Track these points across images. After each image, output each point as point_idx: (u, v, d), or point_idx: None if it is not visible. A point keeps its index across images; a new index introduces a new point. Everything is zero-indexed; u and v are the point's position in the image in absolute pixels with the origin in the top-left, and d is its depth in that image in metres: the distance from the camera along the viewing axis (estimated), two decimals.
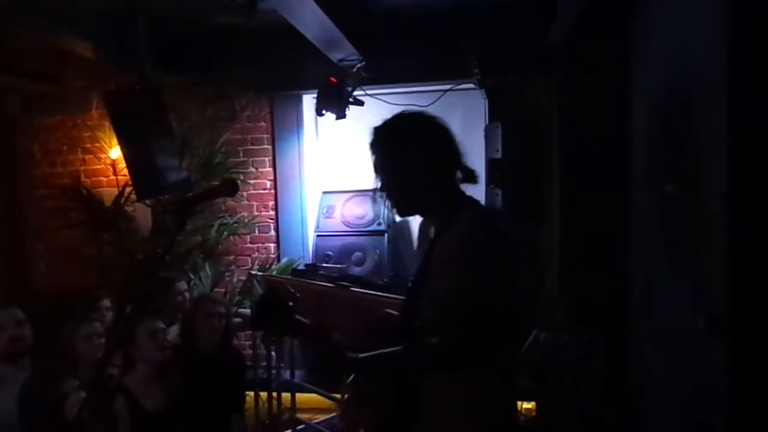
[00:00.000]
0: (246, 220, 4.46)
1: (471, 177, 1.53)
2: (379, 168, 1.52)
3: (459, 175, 1.52)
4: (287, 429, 3.49)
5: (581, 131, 3.15)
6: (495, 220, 1.56)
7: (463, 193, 1.53)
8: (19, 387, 2.37)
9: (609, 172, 3.05)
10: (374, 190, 1.54)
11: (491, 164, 3.44)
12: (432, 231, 1.53)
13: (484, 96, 3.86)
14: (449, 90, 4.01)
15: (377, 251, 4.09)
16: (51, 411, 2.25)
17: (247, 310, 3.63)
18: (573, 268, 3.17)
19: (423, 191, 1.49)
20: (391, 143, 1.51)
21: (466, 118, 4.30)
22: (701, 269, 1.90)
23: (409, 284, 1.64)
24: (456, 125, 5.32)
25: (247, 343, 4.12)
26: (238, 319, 3.49)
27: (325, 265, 3.73)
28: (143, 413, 2.43)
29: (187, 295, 3.29)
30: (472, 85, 3.83)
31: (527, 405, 3.10)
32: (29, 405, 2.33)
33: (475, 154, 4.34)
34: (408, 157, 1.48)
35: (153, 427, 2.45)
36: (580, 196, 3.15)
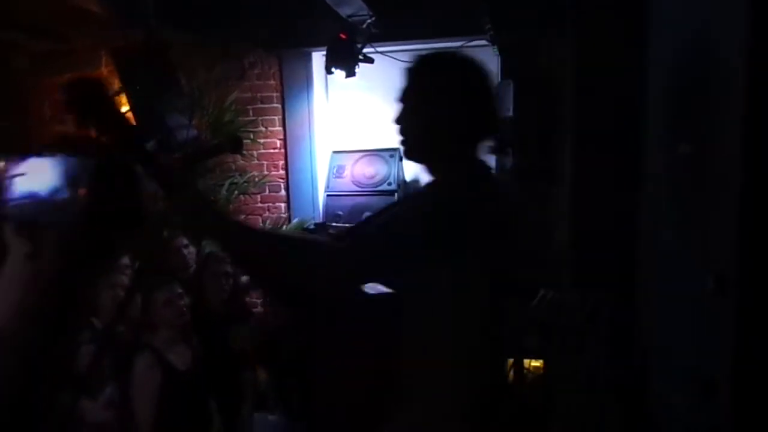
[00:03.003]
0: (256, 180, 4.46)
1: (500, 149, 1.46)
2: (403, 99, 1.42)
3: (487, 143, 1.41)
4: None
5: (596, 89, 3.09)
6: (478, 181, 1.40)
7: (479, 161, 1.41)
8: None
9: (623, 131, 3.00)
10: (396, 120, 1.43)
11: (503, 123, 3.40)
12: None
13: (497, 53, 3.78)
14: (461, 47, 3.93)
15: None
16: (64, 362, 2.29)
17: None
18: (583, 228, 3.16)
19: (433, 144, 1.40)
20: (428, 83, 1.40)
21: None
22: (710, 229, 1.89)
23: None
24: None
25: (258, 300, 4.19)
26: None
27: (335, 224, 3.75)
28: (174, 371, 2.47)
29: (185, 251, 3.27)
30: (484, 42, 3.75)
31: (535, 363, 3.14)
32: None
33: None
34: (436, 106, 1.37)
35: (183, 385, 2.49)
36: (593, 155, 3.11)
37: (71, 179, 0.69)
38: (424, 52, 1.44)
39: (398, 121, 1.43)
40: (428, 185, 1.40)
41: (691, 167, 2.13)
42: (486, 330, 1.39)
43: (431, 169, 1.44)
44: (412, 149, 1.43)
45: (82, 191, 0.70)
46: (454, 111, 1.36)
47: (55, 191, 0.69)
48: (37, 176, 0.69)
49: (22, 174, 0.70)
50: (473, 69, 1.41)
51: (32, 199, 0.69)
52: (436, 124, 1.37)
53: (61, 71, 4.70)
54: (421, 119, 1.39)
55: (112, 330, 2.52)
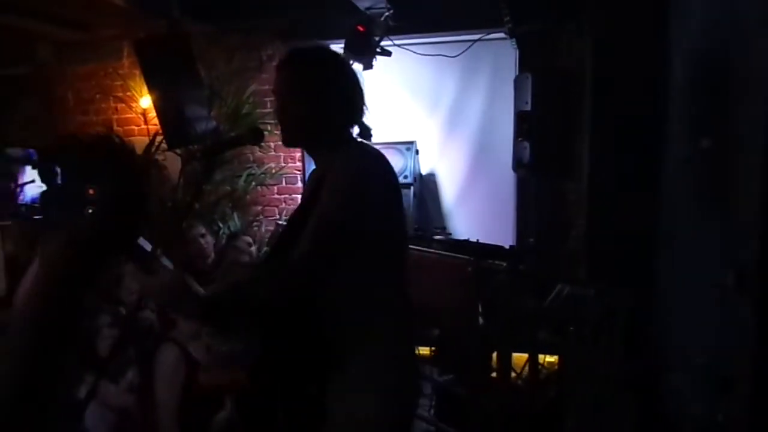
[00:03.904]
0: (273, 171, 4.49)
1: (365, 134, 1.56)
2: (279, 92, 1.54)
3: (356, 129, 1.56)
4: None
5: (615, 82, 3.05)
6: (373, 156, 1.54)
7: (355, 140, 1.56)
8: None
9: (642, 125, 2.97)
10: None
11: (520, 117, 3.38)
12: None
13: (515, 46, 3.76)
14: (479, 40, 3.91)
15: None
16: (85, 345, 2.32)
17: None
18: (600, 222, 3.14)
19: (310, 131, 1.53)
20: (299, 74, 1.51)
21: (495, 69, 4.21)
22: (731, 224, 1.87)
23: (288, 220, 1.70)
24: (485, 76, 5.25)
25: None
26: None
27: None
28: (195, 363, 2.50)
29: (203, 241, 3.27)
30: (502, 35, 3.72)
31: (550, 358, 3.13)
32: None
33: (504, 105, 4.29)
34: (307, 95, 1.49)
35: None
36: (611, 149, 3.09)
37: (86, 178, 0.72)
38: (294, 47, 1.55)
39: (276, 111, 1.55)
40: (335, 168, 1.48)
41: (712, 162, 2.11)
42: (405, 288, 1.56)
43: (311, 153, 1.62)
44: (289, 136, 1.57)
45: (91, 190, 0.72)
46: (323, 100, 1.49)
47: (71, 188, 0.72)
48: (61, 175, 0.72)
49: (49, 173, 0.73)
50: (338, 62, 1.55)
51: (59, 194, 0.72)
52: (308, 112, 1.49)
53: (85, 61, 4.77)
54: (295, 109, 1.51)
55: (134, 317, 2.55)
